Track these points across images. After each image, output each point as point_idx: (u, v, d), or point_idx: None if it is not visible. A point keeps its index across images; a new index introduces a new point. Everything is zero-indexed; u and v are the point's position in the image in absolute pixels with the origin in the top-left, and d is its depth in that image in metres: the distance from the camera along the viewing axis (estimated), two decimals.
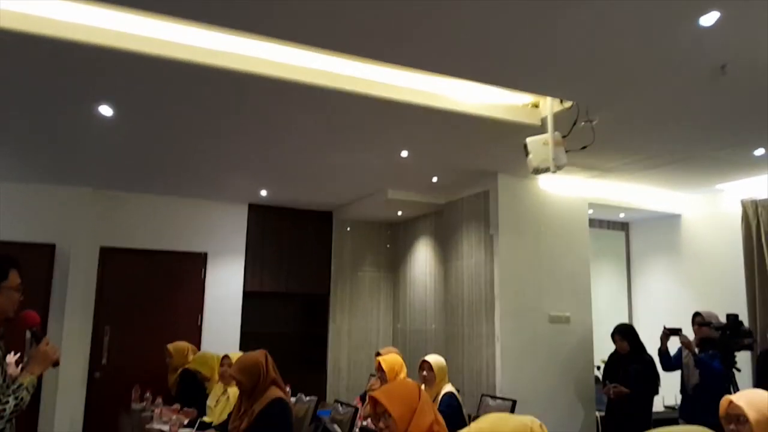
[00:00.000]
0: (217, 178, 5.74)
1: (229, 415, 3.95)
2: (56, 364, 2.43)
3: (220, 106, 3.79)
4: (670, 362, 4.97)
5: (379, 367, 4.60)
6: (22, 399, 2.23)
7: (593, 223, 6.39)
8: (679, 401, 5.09)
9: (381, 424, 2.42)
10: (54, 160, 5.16)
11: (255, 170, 5.42)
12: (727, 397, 2.45)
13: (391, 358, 4.66)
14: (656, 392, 4.91)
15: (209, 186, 6.07)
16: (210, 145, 4.64)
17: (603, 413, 5.24)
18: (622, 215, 6.60)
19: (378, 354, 5.08)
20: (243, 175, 5.57)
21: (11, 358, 2.64)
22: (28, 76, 3.33)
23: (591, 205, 5.81)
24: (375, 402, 2.46)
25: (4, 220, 5.70)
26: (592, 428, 5.42)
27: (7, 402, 2.19)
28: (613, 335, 4.99)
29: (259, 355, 3.75)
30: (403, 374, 4.60)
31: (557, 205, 5.60)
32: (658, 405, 5.13)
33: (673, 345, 4.97)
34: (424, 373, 4.29)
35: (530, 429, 1.75)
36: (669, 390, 5.15)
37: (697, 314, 4.83)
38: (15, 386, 2.24)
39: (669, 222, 6.39)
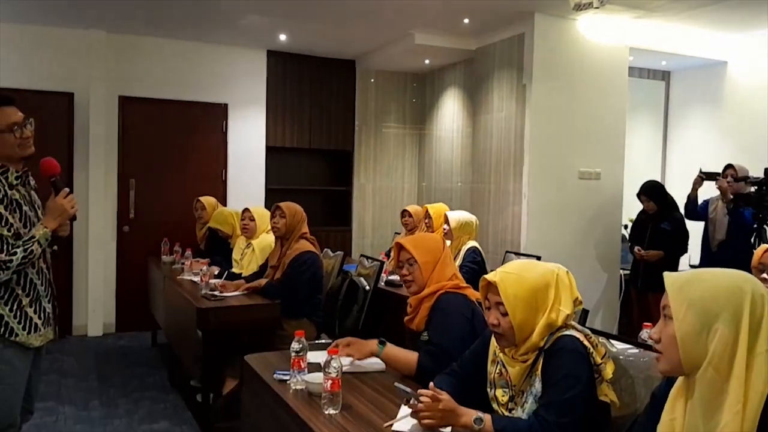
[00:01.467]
0: (234, 17, 5.33)
1: (261, 266, 4.09)
2: (73, 219, 2.33)
3: None
4: (695, 210, 4.80)
5: (426, 214, 4.73)
6: (31, 252, 2.17)
7: (632, 71, 5.98)
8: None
9: (404, 271, 2.43)
10: None
11: (272, 6, 5.02)
12: (764, 246, 2.39)
13: (439, 207, 4.79)
14: (685, 250, 4.81)
15: (226, 27, 5.67)
16: None
17: (627, 272, 5.23)
18: (663, 63, 6.17)
19: (405, 211, 5.24)
20: (260, 10, 5.15)
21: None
22: None
23: (632, 51, 5.40)
24: (400, 249, 2.45)
25: (18, 66, 5.49)
26: (615, 286, 5.45)
27: (15, 253, 2.14)
28: (639, 195, 4.80)
29: (301, 208, 3.90)
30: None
31: (596, 51, 5.21)
32: (683, 264, 5.03)
33: (702, 196, 4.79)
34: (444, 226, 4.34)
35: (557, 275, 1.75)
36: (695, 249, 5.04)
37: (729, 166, 4.56)
38: (26, 238, 2.18)
39: (713, 70, 5.97)
